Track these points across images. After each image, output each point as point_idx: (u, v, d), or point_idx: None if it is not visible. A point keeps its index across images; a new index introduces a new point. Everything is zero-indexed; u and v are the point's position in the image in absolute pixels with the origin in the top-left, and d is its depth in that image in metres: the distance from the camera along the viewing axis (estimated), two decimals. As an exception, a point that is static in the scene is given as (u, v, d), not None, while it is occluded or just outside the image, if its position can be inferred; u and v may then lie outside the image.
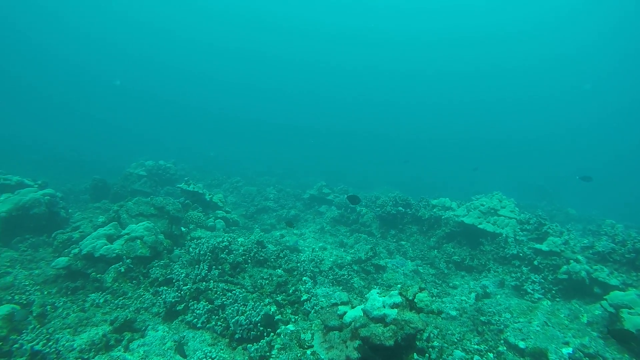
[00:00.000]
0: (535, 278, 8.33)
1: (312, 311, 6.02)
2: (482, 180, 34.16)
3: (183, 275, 6.66)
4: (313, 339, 5.08)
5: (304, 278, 7.32)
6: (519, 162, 57.57)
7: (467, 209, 11.84)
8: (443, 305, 7.88)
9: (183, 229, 10.86)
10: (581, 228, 13.15)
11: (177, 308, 6.07)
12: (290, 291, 6.68)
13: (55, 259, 7.84)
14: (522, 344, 6.35)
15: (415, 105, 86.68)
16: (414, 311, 4.68)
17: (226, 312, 5.72)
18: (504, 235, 10.21)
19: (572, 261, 8.34)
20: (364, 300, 7.95)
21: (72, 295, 7.06)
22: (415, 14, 70.24)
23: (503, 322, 7.12)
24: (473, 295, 8.21)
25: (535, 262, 9.05)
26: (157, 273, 7.13)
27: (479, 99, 79.51)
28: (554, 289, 8.25)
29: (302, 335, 5.38)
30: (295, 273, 7.73)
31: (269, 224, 15.43)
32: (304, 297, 6.25)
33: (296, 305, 6.24)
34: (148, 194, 15.79)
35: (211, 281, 6.59)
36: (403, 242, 12.70)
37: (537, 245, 9.27)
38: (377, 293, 5.06)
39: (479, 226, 10.77)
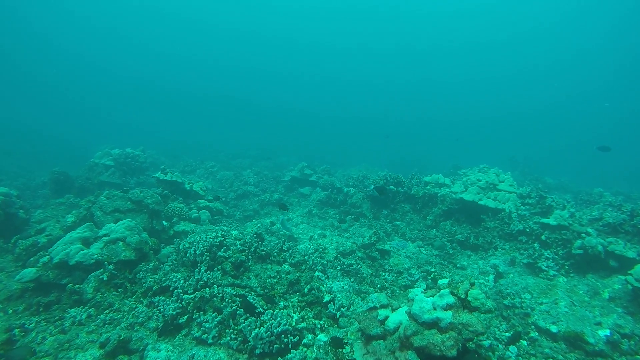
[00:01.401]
0: (549, 254, 8.05)
1: (338, 313, 5.34)
2: (460, 155, 34.34)
3: (182, 281, 5.75)
4: (353, 351, 4.41)
5: (317, 274, 6.60)
6: (491, 138, 58.67)
7: (464, 185, 11.46)
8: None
9: (165, 223, 9.81)
10: (571, 198, 13.19)
11: (180, 321, 5.20)
12: (305, 290, 5.96)
13: (19, 271, 6.70)
14: (554, 328, 6.01)
15: (392, 84, 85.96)
16: (468, 311, 4.10)
17: (240, 323, 4.93)
18: (507, 210, 9.91)
19: (583, 234, 8.12)
20: (377, 290, 7.39)
21: (46, 313, 6.00)
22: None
23: (527, 304, 6.78)
24: (491, 277, 7.83)
25: (543, 237, 8.80)
26: (149, 281, 6.16)
27: (456, 75, 79.69)
28: (566, 264, 8.02)
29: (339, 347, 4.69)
30: (304, 267, 7.00)
31: (251, 210, 14.57)
32: (326, 297, 5.54)
33: (318, 308, 5.53)
34: (118, 186, 14.40)
35: (215, 286, 5.73)
36: (398, 222, 12.24)
37: (544, 220, 9.00)
38: (422, 292, 4.44)
39: (479, 202, 10.41)
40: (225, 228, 9.40)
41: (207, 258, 6.40)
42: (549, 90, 72.71)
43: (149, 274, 6.68)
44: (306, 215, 14.04)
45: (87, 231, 7.17)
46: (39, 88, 68.71)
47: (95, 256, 6.70)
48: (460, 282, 4.35)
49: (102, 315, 5.79)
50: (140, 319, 5.46)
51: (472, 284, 4.33)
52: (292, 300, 5.80)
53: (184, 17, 75.74)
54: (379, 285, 7.56)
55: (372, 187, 11.02)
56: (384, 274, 8.38)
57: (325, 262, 7.55)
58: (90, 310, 5.93)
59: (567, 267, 7.96)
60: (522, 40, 67.49)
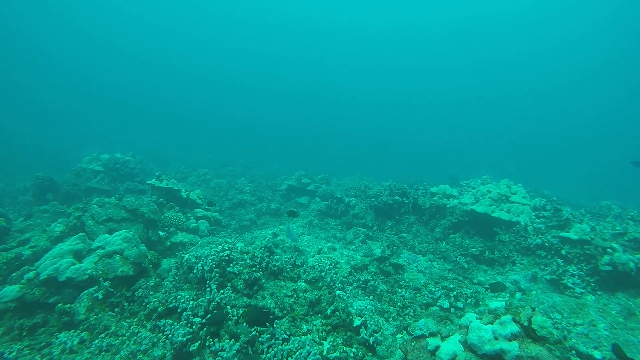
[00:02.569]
0: (574, 270, 7.64)
1: (371, 339, 4.73)
2: (455, 166, 34.26)
3: (191, 302, 5.07)
4: (402, 388, 3.84)
5: (337, 292, 6.00)
6: (484, 151, 59.00)
7: (474, 197, 11.07)
8: (486, 307, 6.95)
9: (161, 233, 9.08)
10: (585, 211, 12.92)
11: (190, 349, 4.53)
12: (329, 311, 5.36)
13: None
14: (597, 354, 5.53)
15: (385, 98, 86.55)
16: (534, 341, 3.58)
17: (263, 352, 4.29)
18: (522, 223, 9.53)
19: (609, 250, 7.75)
20: (398, 310, 6.83)
21: (31, 338, 5.24)
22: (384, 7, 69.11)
23: (562, 326, 6.31)
24: (518, 294, 7.36)
25: (563, 252, 8.42)
26: (153, 301, 5.46)
27: (452, 92, 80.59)
28: (592, 281, 7.62)
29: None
30: (321, 285, 6.39)
31: (248, 220, 13.89)
32: (356, 321, 4.94)
33: (347, 333, 4.92)
34: (107, 192, 13.59)
35: (228, 307, 5.08)
36: (404, 234, 11.76)
37: (563, 234, 8.64)
38: (477, 318, 3.91)
39: (492, 215, 10.02)
40: (229, 240, 8.74)
41: (217, 275, 5.74)
42: (543, 107, 74.10)
43: (150, 292, 5.98)
44: (307, 226, 13.45)
45: (80, 243, 6.43)
46: (16, 89, 66.71)
47: (89, 271, 5.97)
48: (520, 307, 3.84)
49: (97, 341, 5.06)
50: (143, 345, 4.76)
51: (533, 309, 3.82)
52: (314, 322, 5.19)
53: (170, 29, 75.19)
54: (399, 304, 7.01)
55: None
56: (400, 290, 7.83)
57: (342, 279, 6.96)
58: (83, 334, 5.20)
59: (592, 284, 7.56)
60: (514, 59, 68.52)
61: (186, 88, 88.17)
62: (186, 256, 6.60)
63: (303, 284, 6.19)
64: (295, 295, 5.76)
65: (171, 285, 6.13)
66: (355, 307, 5.86)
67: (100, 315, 5.65)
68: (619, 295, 7.22)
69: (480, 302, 7.23)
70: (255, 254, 6.76)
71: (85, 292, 5.80)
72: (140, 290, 6.06)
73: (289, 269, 6.63)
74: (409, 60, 77.06)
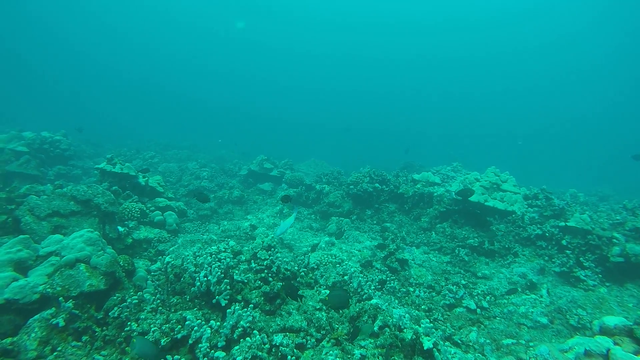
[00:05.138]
0: (586, 262, 7.43)
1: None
2: (411, 154, 34.39)
3: (207, 330, 3.73)
4: None
5: (375, 301, 4.96)
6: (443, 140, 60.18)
7: (462, 184, 10.64)
8: (516, 307, 6.40)
9: (120, 228, 7.33)
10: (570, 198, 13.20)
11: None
12: (376, 328, 4.33)
13: None
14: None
15: (344, 86, 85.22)
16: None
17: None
18: (518, 213, 9.25)
19: (614, 240, 7.65)
20: (427, 315, 6.02)
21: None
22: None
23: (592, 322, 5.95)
24: (544, 291, 6.92)
25: (564, 242, 8.24)
26: (153, 330, 3.97)
27: (421, 84, 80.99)
28: (599, 272, 7.48)
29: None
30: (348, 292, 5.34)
31: (208, 209, 12.28)
32: (427, 342, 3.91)
33: (416, 358, 3.92)
34: (34, 178, 11.12)
35: (255, 331, 3.84)
36: (387, 224, 11.05)
37: (564, 223, 8.46)
38: (616, 344, 3.14)
39: (485, 203, 9.63)
40: (213, 237, 7.29)
41: (227, 287, 4.42)
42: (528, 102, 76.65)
43: (131, 311, 4.47)
44: (277, 216, 12.21)
45: (22, 249, 4.67)
46: None
47: (40, 288, 4.31)
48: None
49: (63, 390, 3.55)
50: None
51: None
52: (362, 344, 4.14)
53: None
54: (423, 307, 6.21)
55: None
56: (412, 289, 7.06)
57: (363, 282, 5.94)
58: (39, 381, 3.64)
59: (600, 275, 7.42)
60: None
61: (117, 55, 79.06)
62: (167, 258, 5.16)
63: (325, 291, 5.08)
64: (325, 307, 4.65)
65: (158, 301, 4.68)
66: (395, 317, 4.90)
67: (61, 349, 4.07)
68: (629, 287, 7.12)
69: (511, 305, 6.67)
70: (258, 255, 5.50)
71: (35, 317, 4.16)
72: (115, 309, 4.52)
73: (302, 274, 5.48)
74: (376, 49, 76.62)
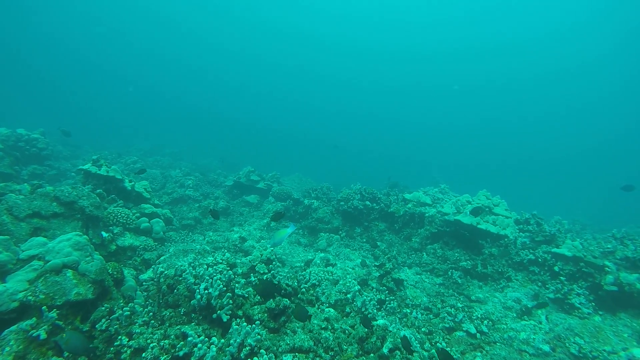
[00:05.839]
0: (580, 290, 7.44)
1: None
2: (396, 174, 34.59)
3: (211, 348, 3.41)
4: None
5: (381, 321, 4.73)
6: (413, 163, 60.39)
7: (454, 206, 10.64)
8: (516, 333, 6.29)
9: (104, 234, 6.88)
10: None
11: None
12: (385, 350, 4.10)
13: None
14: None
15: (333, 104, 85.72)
16: None
17: None
18: (510, 237, 9.27)
19: (606, 268, 7.72)
20: (429, 339, 5.82)
21: None
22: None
23: (593, 353, 5.89)
24: (543, 317, 6.85)
25: (556, 269, 8.27)
26: (152, 346, 3.60)
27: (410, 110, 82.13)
28: (591, 300, 7.50)
29: None
30: (349, 310, 5.10)
31: (191, 218, 11.87)
32: None
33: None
34: (7, 177, 10.46)
35: (262, 350, 3.54)
36: (378, 243, 10.91)
37: (556, 250, 8.52)
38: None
39: (478, 226, 9.62)
40: (207, 247, 6.93)
41: (230, 301, 4.12)
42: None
43: (121, 324, 4.08)
44: (265, 229, 11.91)
45: (2, 250, 4.23)
46: None
47: (21, 295, 3.89)
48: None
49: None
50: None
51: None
52: (374, 369, 3.90)
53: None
54: (423, 329, 6.01)
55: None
56: (407, 310, 6.86)
57: (367, 301, 5.70)
58: (15, 402, 3.22)
59: (593, 304, 7.43)
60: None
61: (106, 54, 77.14)
62: (160, 268, 4.81)
63: (332, 310, 4.83)
64: (330, 327, 4.39)
65: (150, 313, 4.31)
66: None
67: (40, 365, 3.65)
68: (622, 316, 7.14)
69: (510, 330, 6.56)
70: (257, 269, 5.22)
71: (12, 328, 3.72)
72: (103, 321, 4.12)
73: (304, 290, 5.21)
74: (363, 71, 78.14)
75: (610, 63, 59.14)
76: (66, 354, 3.85)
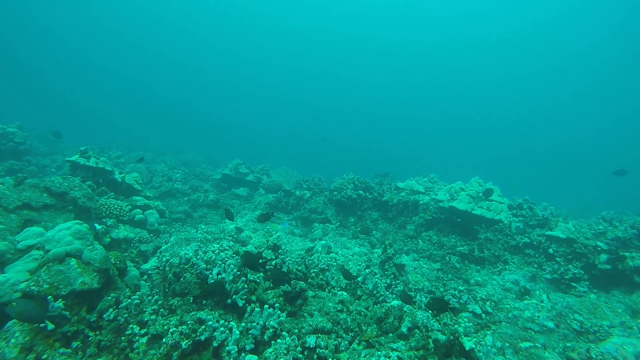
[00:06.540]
0: (575, 270, 7.61)
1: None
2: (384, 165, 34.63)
3: (235, 332, 3.28)
4: None
5: (394, 302, 4.69)
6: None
7: (448, 193, 10.72)
8: (520, 312, 6.37)
9: (98, 226, 6.60)
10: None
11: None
12: (404, 329, 4.06)
13: None
14: (650, 357, 5.29)
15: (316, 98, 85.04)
16: None
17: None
18: (505, 222, 9.41)
19: (599, 248, 7.93)
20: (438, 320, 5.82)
21: None
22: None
23: (593, 328, 6.03)
24: (544, 296, 6.96)
25: (551, 251, 8.45)
26: (172, 332, 3.44)
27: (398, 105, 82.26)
28: (586, 278, 7.69)
29: None
30: (360, 293, 5.05)
31: (181, 212, 11.64)
32: (467, 342, 3.65)
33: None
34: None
35: (284, 332, 3.45)
36: (373, 232, 10.91)
37: (550, 233, 8.70)
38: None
39: (473, 212, 9.73)
40: (209, 237, 6.74)
41: (245, 285, 3.99)
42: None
43: (130, 313, 3.90)
44: (255, 221, 11.72)
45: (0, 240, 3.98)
46: None
47: (23, 285, 3.67)
48: None
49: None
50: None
51: None
52: (393, 346, 3.85)
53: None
54: (429, 312, 6.02)
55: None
56: (411, 294, 6.85)
57: (379, 283, 5.65)
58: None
59: (587, 282, 7.62)
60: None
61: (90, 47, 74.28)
62: (166, 256, 4.64)
63: (345, 294, 4.76)
64: (345, 309, 4.32)
65: (160, 302, 4.14)
66: (420, 319, 4.65)
67: (47, 357, 3.46)
68: (615, 293, 7.35)
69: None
70: (264, 255, 5.10)
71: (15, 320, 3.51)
72: (111, 310, 3.93)
73: (313, 274, 5.12)
74: (348, 66, 77.90)
75: (597, 57, 60.82)
76: (74, 344, 3.67)
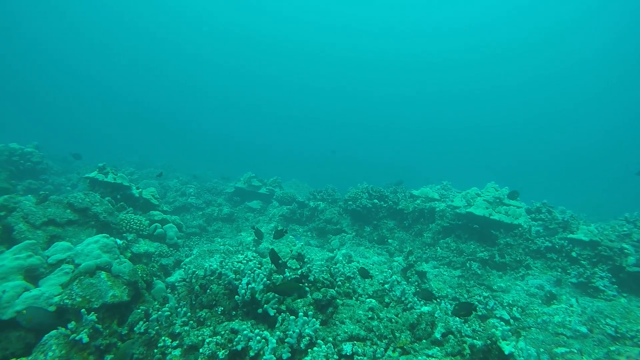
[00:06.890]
0: (602, 273, 7.44)
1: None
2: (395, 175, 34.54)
3: (274, 342, 3.24)
4: None
5: (425, 309, 4.62)
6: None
7: (464, 199, 10.63)
8: (550, 317, 6.22)
9: (119, 241, 6.62)
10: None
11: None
12: (437, 335, 3.98)
13: None
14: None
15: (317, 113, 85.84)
16: None
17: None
18: (525, 226, 9.28)
19: (626, 251, 7.76)
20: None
21: None
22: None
23: (630, 333, 5.86)
24: (573, 300, 6.81)
25: (574, 254, 8.29)
26: (210, 344, 3.40)
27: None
28: (614, 282, 7.51)
29: None
30: (388, 300, 4.98)
31: (196, 226, 11.68)
32: (507, 347, 3.57)
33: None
34: (4, 190, 10.10)
35: (319, 340, 3.39)
36: (390, 241, 10.82)
37: (572, 236, 8.54)
38: None
39: (490, 217, 9.61)
40: (231, 249, 6.73)
41: (275, 295, 3.96)
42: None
43: (159, 325, 3.88)
44: (272, 234, 11.68)
45: (32, 255, 4.01)
46: None
47: (57, 299, 3.67)
48: None
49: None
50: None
51: None
52: (429, 353, 3.77)
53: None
54: (457, 318, 5.91)
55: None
56: (437, 301, 6.76)
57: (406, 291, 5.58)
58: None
59: (616, 286, 7.44)
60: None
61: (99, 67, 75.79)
62: (192, 268, 4.63)
63: (374, 301, 4.69)
64: (376, 316, 4.26)
65: (188, 314, 4.11)
66: (452, 325, 4.56)
67: (80, 371, 3.43)
68: (645, 296, 7.17)
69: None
70: (288, 265, 5.07)
71: (52, 333, 3.51)
72: (141, 323, 3.91)
73: (339, 283, 5.07)
74: (356, 79, 78.67)
75: (600, 64, 60.79)
76: (107, 357, 3.65)
